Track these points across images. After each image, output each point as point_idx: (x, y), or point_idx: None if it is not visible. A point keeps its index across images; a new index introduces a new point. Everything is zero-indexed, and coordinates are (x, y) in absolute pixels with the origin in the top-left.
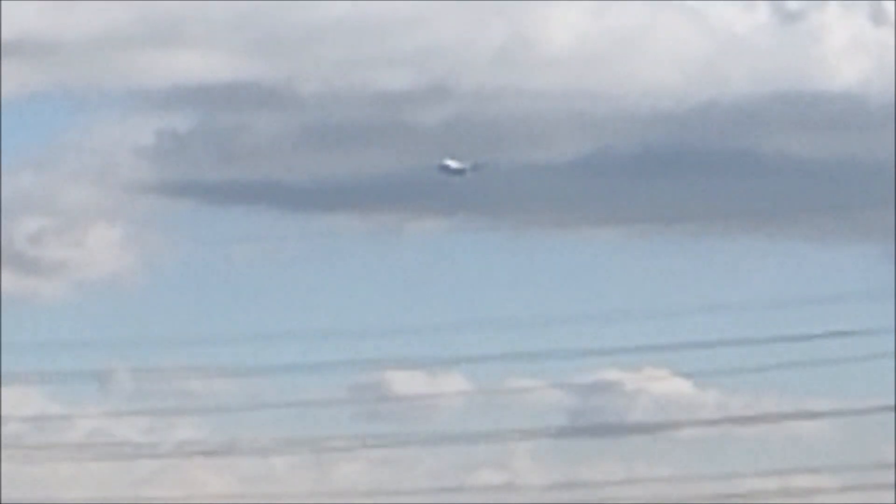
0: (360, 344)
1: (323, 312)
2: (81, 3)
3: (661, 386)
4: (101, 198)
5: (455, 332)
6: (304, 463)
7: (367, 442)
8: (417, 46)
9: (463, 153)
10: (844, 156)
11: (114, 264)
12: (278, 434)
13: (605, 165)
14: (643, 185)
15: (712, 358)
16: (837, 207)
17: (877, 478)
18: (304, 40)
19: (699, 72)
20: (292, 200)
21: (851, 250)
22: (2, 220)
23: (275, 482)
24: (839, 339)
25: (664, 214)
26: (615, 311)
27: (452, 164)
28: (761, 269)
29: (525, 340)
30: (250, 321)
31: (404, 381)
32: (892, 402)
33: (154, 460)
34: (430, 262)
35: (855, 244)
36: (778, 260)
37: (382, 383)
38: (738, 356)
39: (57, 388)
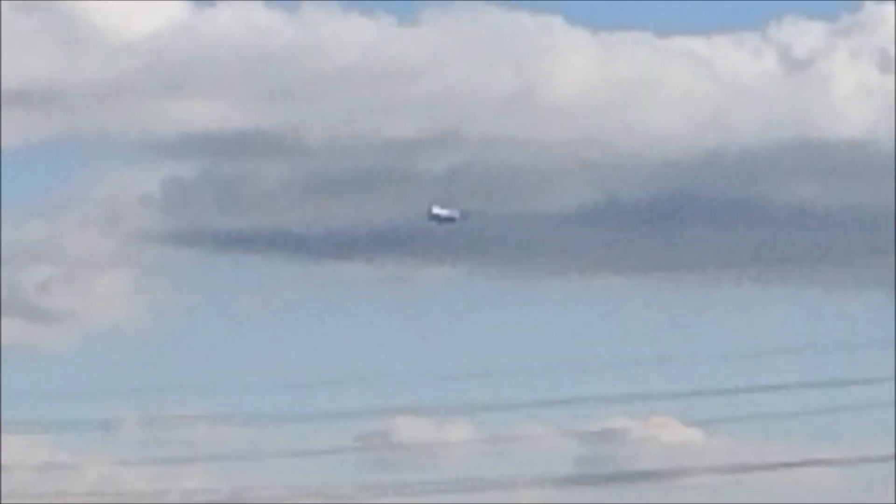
0: (367, 392)
1: (330, 360)
2: (87, 52)
3: (670, 434)
4: (107, 246)
5: (463, 380)
6: None
7: (374, 491)
8: (425, 95)
9: (470, 201)
10: (851, 203)
11: (120, 312)
12: (286, 483)
13: (613, 214)
14: (651, 233)
15: (720, 406)
16: (845, 255)
17: None
18: (311, 88)
19: (706, 120)
20: (299, 248)
21: (859, 298)
22: (10, 269)
23: None
24: (847, 386)
25: (671, 262)
26: (623, 359)
27: (442, 211)
28: (769, 316)
29: (533, 388)
30: (257, 369)
31: (412, 430)
32: None
33: None
34: (437, 311)
35: (863, 292)
36: (785, 308)
37: (390, 431)
38: (745, 404)
39: (64, 437)
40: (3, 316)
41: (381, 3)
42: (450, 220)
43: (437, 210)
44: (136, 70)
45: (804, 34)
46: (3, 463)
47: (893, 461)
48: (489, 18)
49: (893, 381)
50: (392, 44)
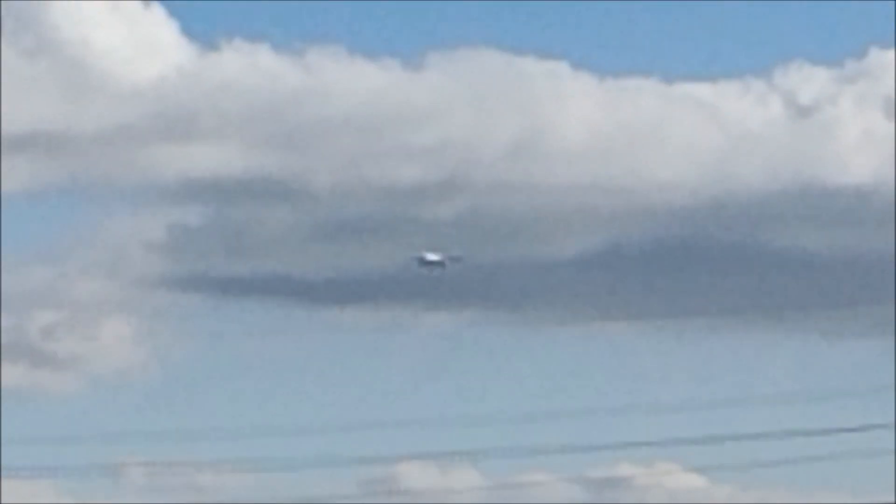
0: (371, 438)
1: (335, 406)
2: (92, 97)
3: (674, 480)
4: (112, 292)
5: (467, 426)
6: None
7: None
8: (430, 141)
9: (474, 247)
10: (855, 251)
11: (125, 358)
12: None
13: (617, 260)
14: (655, 279)
15: (724, 453)
16: (849, 302)
17: None
18: (316, 134)
19: (711, 166)
20: (304, 294)
21: (862, 345)
22: (15, 314)
23: None
24: (849, 433)
25: (675, 309)
26: (627, 405)
27: (430, 256)
28: (773, 363)
29: (537, 435)
30: (261, 415)
31: (416, 476)
32: None
33: None
34: (442, 357)
35: (865, 339)
36: (789, 354)
37: (394, 477)
38: (750, 451)
39: (68, 482)
40: (7, 361)
41: (387, 47)
42: (439, 264)
43: (426, 255)
44: (142, 116)
45: (809, 80)
46: None
47: None
48: (494, 64)
49: (894, 429)
50: (397, 89)
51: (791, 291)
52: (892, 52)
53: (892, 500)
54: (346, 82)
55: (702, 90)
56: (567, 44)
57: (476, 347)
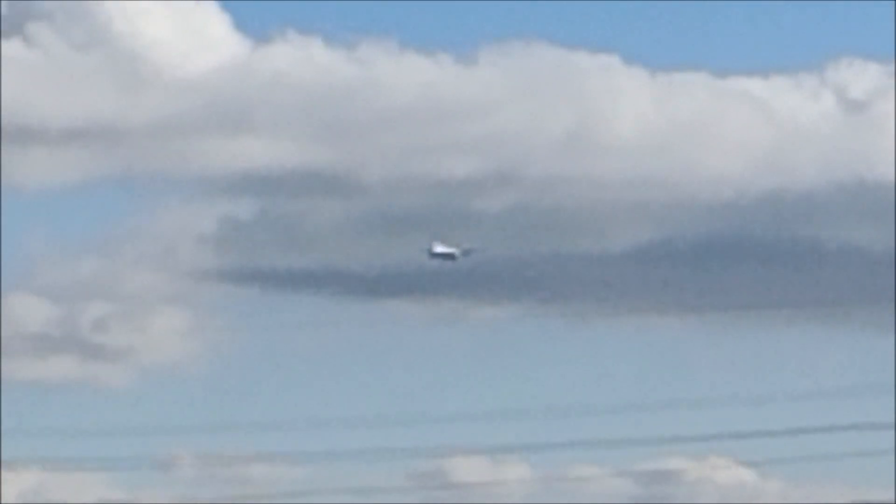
0: (422, 431)
1: (385, 399)
2: (146, 90)
3: (725, 475)
4: (163, 284)
5: (518, 419)
6: None
7: None
8: (482, 134)
9: (526, 240)
10: None
11: (176, 350)
12: None
13: (669, 254)
14: (706, 273)
15: (776, 447)
16: None
17: None
18: (369, 128)
19: (763, 161)
20: (355, 287)
21: None
22: (66, 306)
23: None
24: None
25: (727, 303)
26: (679, 399)
27: (442, 248)
28: (824, 358)
29: (588, 428)
30: (313, 408)
31: (466, 469)
32: None
33: None
34: (493, 350)
35: None
36: (840, 349)
37: (444, 470)
38: (801, 446)
39: (119, 475)
40: (58, 353)
41: (439, 41)
42: (450, 257)
43: (438, 248)
44: (194, 109)
45: (861, 75)
46: (57, 500)
47: None
48: (547, 58)
49: None
50: (449, 83)
51: (842, 286)
52: None
53: None
54: (398, 76)
55: (753, 85)
56: (619, 38)
57: (526, 341)
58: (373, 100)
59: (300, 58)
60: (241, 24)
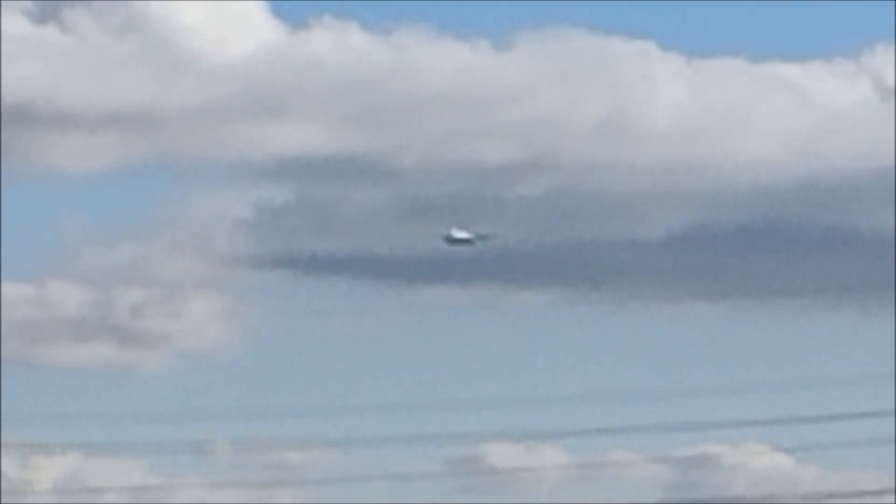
0: (457, 416)
1: (420, 384)
2: (182, 76)
3: (761, 461)
4: (199, 270)
5: (554, 404)
6: None
7: None
8: (518, 120)
9: (562, 226)
10: None
11: (212, 336)
12: None
13: (705, 240)
14: (743, 259)
15: (812, 433)
16: None
17: None
18: (405, 113)
19: (799, 147)
20: (391, 272)
21: None
22: (102, 292)
23: None
24: None
25: (763, 289)
26: (715, 385)
27: (458, 233)
28: (861, 343)
29: (624, 414)
30: (348, 393)
31: (502, 454)
32: None
33: None
34: (528, 335)
35: None
36: (877, 335)
37: (480, 456)
38: (837, 432)
39: (156, 459)
40: (95, 339)
41: (476, 26)
42: (467, 242)
43: (454, 232)
44: (230, 94)
45: None
46: (93, 485)
47: None
48: (583, 43)
49: None
50: (485, 68)
51: (878, 272)
52: None
53: None
54: (434, 61)
55: (790, 70)
56: (655, 24)
57: (562, 327)
58: (409, 85)
59: (337, 43)
60: (278, 10)
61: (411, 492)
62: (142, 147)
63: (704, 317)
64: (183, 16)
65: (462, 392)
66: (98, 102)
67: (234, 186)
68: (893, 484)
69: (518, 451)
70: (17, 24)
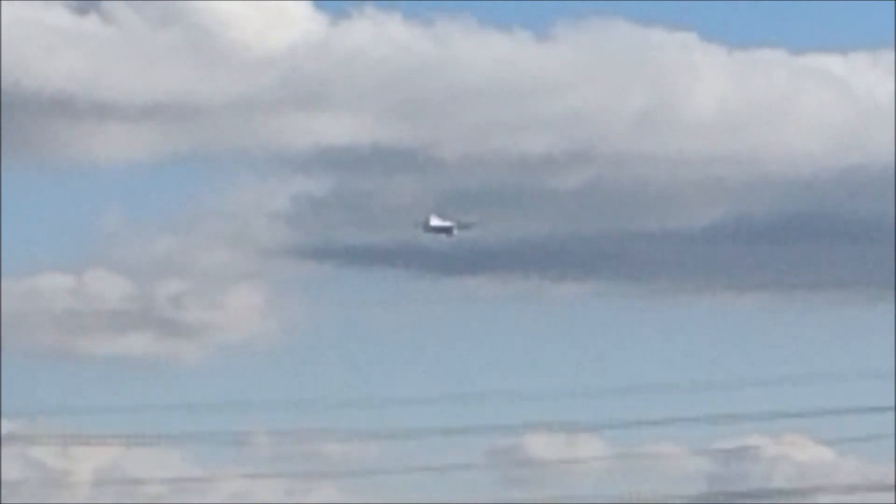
0: (498, 408)
1: (460, 376)
2: (222, 67)
3: (802, 453)
4: (238, 261)
5: (594, 396)
6: None
7: None
8: (559, 112)
9: (602, 218)
10: None
11: (251, 327)
12: (415, 498)
13: (745, 232)
14: (783, 251)
15: (852, 425)
16: None
17: None
18: (444, 104)
19: (839, 139)
20: (431, 264)
21: None
22: (141, 283)
23: None
24: None
25: (804, 281)
26: (755, 377)
27: (437, 222)
28: None
29: (664, 405)
30: (388, 384)
31: (543, 446)
32: None
33: None
34: (569, 327)
35: None
36: None
37: (521, 448)
38: (878, 423)
39: (196, 451)
40: (134, 330)
41: (517, 18)
42: (446, 230)
43: (433, 220)
44: (271, 85)
45: None
46: (133, 476)
47: None
48: (624, 35)
49: None
50: (526, 60)
51: None
52: None
53: None
54: (475, 52)
55: (831, 62)
56: (696, 15)
57: (602, 318)
58: (449, 77)
59: (378, 34)
60: (319, 2)
61: (452, 483)
62: (181, 138)
63: (745, 308)
64: (224, 7)
65: (502, 384)
66: (138, 94)
67: (274, 178)
68: None
69: (558, 443)
70: (58, 16)
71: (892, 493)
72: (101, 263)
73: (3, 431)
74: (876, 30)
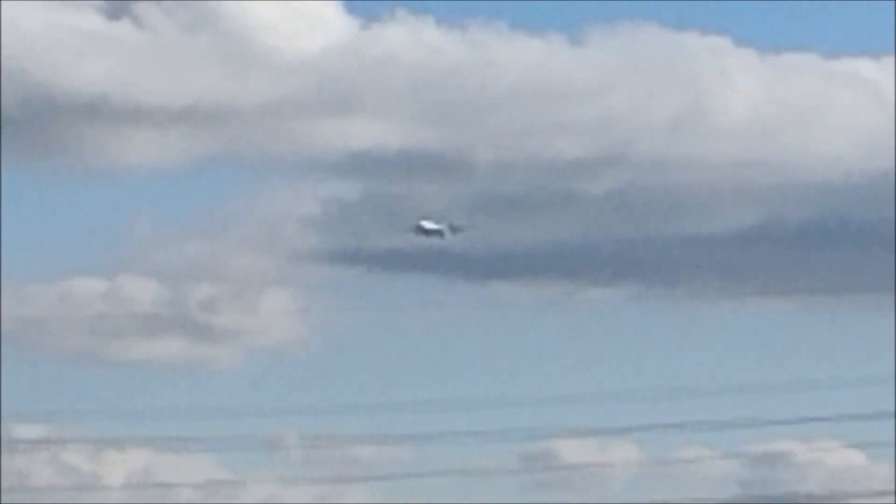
0: (529, 412)
1: (493, 380)
2: (254, 71)
3: (834, 457)
4: (269, 266)
5: (626, 401)
6: None
7: None
8: (591, 116)
9: (634, 223)
10: None
11: (282, 332)
12: (447, 502)
13: (777, 236)
14: (815, 255)
15: (885, 430)
16: None
17: None
18: (477, 109)
19: (872, 143)
20: (462, 269)
21: None
22: (173, 287)
23: None
24: None
25: (836, 286)
26: (787, 381)
27: (428, 225)
28: None
29: (696, 410)
30: (419, 388)
31: (574, 450)
32: None
33: None
34: (601, 331)
35: None
36: None
37: (552, 452)
38: None
39: (228, 454)
40: (166, 335)
41: (549, 22)
42: (437, 233)
43: (424, 223)
44: (303, 89)
45: None
46: (165, 480)
47: None
48: (656, 39)
49: None
50: (559, 64)
51: None
52: None
53: None
54: (508, 56)
55: (864, 66)
56: (729, 19)
57: (634, 323)
58: (482, 81)
59: (410, 39)
60: (351, 5)
61: (483, 488)
62: (213, 143)
63: (776, 313)
64: (255, 11)
65: (534, 388)
66: (171, 98)
67: (305, 182)
68: None
69: (590, 447)
70: (90, 20)
71: None
72: (133, 268)
73: (36, 435)
74: None
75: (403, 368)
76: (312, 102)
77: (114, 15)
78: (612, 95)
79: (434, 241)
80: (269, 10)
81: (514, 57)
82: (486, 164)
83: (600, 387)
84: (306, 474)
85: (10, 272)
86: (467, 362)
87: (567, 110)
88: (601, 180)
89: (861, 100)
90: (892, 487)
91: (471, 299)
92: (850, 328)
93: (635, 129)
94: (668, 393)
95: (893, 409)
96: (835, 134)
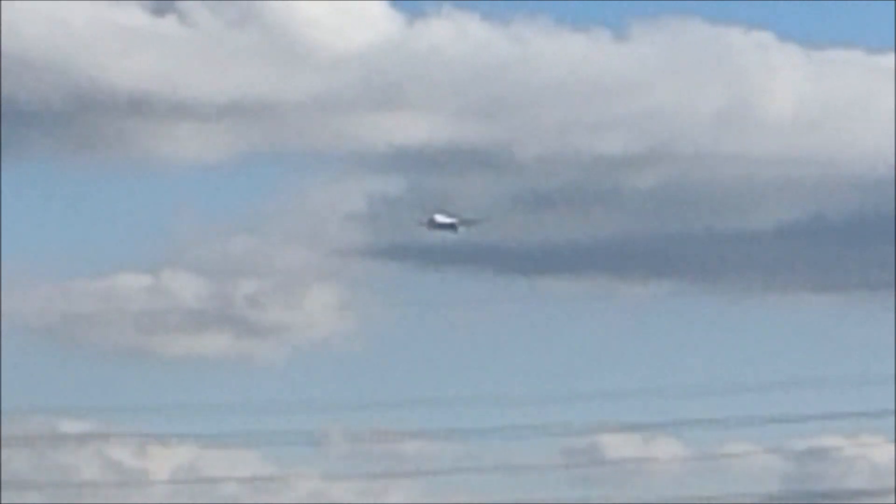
0: (573, 408)
1: (538, 376)
2: (299, 67)
3: (878, 453)
4: (314, 261)
5: (670, 396)
6: None
7: None
8: (636, 111)
9: (678, 217)
10: None
11: (327, 327)
12: (491, 498)
13: (821, 231)
14: (858, 251)
15: None
16: None
17: None
18: (522, 104)
19: None
20: (507, 263)
21: None
22: (218, 282)
23: None
24: None
25: (878, 281)
26: (831, 376)
27: (441, 218)
28: None
29: (740, 405)
30: (464, 384)
31: (618, 446)
32: None
33: None
34: (644, 327)
35: None
36: None
37: (596, 447)
38: None
39: (273, 450)
40: (212, 330)
41: (593, 18)
42: (450, 227)
43: (437, 217)
44: (348, 85)
45: None
46: (210, 475)
47: None
48: (700, 35)
49: None
50: (603, 59)
51: None
52: None
53: None
54: (552, 52)
55: None
56: (773, 14)
57: (678, 318)
58: (527, 76)
59: (455, 34)
60: (397, 0)
61: (528, 483)
62: (258, 138)
63: (821, 308)
64: (300, 7)
65: (579, 384)
66: (215, 94)
67: (350, 177)
68: None
69: (634, 442)
70: (135, 16)
71: None
72: (178, 263)
73: (80, 430)
74: None
75: (448, 364)
76: (357, 98)
77: (159, 11)
78: (656, 91)
79: (452, 234)
80: (314, 6)
81: (559, 52)
82: (529, 160)
83: (644, 383)
84: (351, 470)
85: (56, 268)
86: (512, 358)
87: (611, 106)
88: (645, 175)
89: None
90: None
91: (516, 294)
92: (893, 323)
93: (679, 125)
94: (711, 388)
95: None
96: (878, 129)
